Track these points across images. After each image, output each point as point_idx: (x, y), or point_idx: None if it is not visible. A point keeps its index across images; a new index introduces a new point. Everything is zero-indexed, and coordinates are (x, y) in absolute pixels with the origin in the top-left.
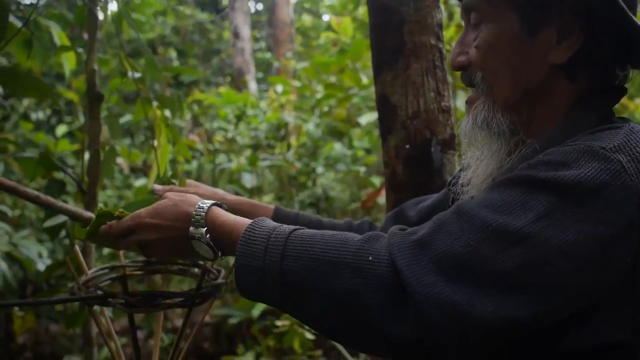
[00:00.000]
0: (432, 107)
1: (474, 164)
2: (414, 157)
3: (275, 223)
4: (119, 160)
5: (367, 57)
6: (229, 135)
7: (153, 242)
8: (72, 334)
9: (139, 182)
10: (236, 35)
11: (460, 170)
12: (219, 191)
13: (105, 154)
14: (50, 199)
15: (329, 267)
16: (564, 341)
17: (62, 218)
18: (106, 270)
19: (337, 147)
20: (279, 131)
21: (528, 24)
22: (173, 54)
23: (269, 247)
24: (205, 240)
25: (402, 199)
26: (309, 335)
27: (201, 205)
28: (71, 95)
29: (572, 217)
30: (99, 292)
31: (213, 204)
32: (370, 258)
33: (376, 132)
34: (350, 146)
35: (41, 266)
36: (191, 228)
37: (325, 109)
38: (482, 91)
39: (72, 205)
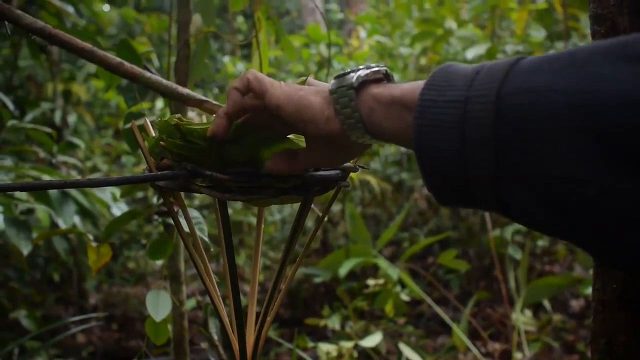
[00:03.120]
0: None
1: None
2: None
3: None
4: (191, 113)
5: None
6: None
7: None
8: (144, 295)
9: None
10: None
11: None
12: None
13: (197, 46)
14: (136, 68)
15: (597, 67)
16: None
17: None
18: None
19: None
20: None
21: None
22: (240, 18)
23: (478, 77)
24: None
25: None
26: (405, 297)
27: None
28: (144, 48)
29: None
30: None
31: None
32: None
33: None
34: None
35: (116, 211)
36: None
37: (416, 52)
38: None
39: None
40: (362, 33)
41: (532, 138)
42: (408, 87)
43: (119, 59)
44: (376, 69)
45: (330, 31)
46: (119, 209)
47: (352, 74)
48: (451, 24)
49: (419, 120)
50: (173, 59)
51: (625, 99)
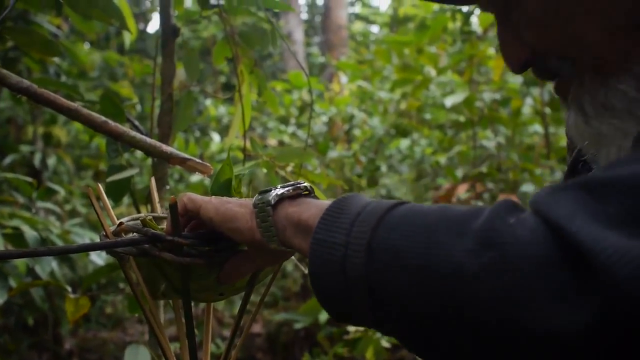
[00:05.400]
0: None
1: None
2: None
3: (374, 199)
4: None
5: (446, 38)
6: (290, 130)
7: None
8: (121, 340)
9: (195, 178)
10: (289, 38)
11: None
12: None
13: (180, 99)
14: (120, 127)
15: (442, 235)
16: None
17: (128, 172)
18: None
19: (404, 145)
20: (343, 126)
21: None
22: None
23: (360, 218)
24: (268, 205)
25: None
26: (385, 343)
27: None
28: (126, 91)
29: None
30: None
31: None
32: (512, 221)
33: (448, 132)
34: (414, 145)
35: (94, 257)
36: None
37: (396, 97)
38: (569, 72)
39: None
40: (343, 78)
41: (388, 285)
42: (314, 211)
43: (103, 118)
44: (295, 186)
45: (311, 77)
46: (97, 254)
47: (272, 192)
48: (430, 70)
49: (311, 256)
50: (157, 102)
51: (449, 269)
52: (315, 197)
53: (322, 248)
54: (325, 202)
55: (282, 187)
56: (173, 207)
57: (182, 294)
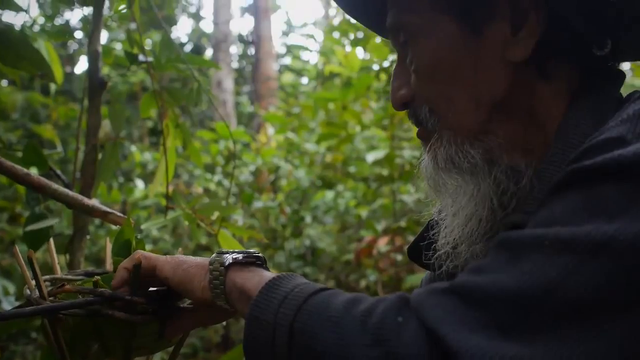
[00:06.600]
0: None
1: (449, 220)
2: None
3: (302, 280)
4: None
5: (370, 95)
6: (215, 178)
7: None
8: None
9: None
10: (218, 86)
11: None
12: None
13: (106, 150)
14: (42, 179)
15: (347, 329)
16: None
17: (48, 222)
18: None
19: (328, 196)
20: (269, 176)
21: (469, 23)
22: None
23: (285, 302)
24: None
25: None
26: None
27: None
28: (49, 134)
29: None
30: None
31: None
32: (400, 319)
33: (372, 185)
34: (338, 197)
35: (6, 305)
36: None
37: (322, 149)
38: (433, 125)
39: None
40: (271, 129)
41: None
42: (256, 283)
43: (25, 170)
44: (249, 254)
45: (239, 127)
46: (9, 302)
47: (227, 255)
48: (355, 126)
49: (247, 330)
50: (82, 146)
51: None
52: (264, 267)
53: (256, 324)
54: (267, 274)
55: (238, 253)
56: (137, 267)
57: (125, 352)
